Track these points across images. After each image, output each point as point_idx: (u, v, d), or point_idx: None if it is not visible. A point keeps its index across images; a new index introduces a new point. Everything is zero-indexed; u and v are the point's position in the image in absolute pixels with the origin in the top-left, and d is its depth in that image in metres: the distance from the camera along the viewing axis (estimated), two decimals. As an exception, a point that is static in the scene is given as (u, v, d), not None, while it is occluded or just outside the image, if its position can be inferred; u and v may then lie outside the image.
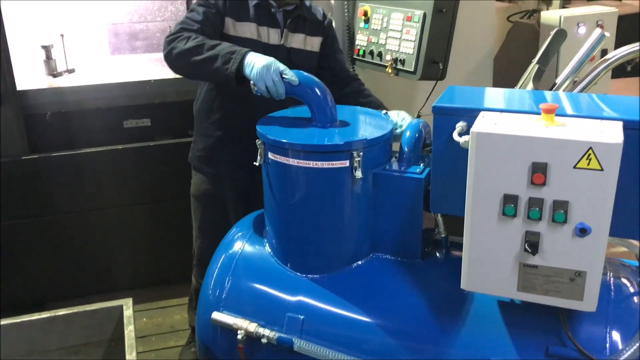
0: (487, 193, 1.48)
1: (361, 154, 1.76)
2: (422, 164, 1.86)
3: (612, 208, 1.39)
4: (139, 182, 3.38)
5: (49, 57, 3.43)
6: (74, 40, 3.65)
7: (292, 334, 1.82)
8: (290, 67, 1.98)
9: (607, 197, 1.38)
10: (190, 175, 2.57)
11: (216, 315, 1.92)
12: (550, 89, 1.96)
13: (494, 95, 1.78)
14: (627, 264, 1.78)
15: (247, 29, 2.29)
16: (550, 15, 3.22)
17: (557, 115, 1.46)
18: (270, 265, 1.97)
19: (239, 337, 1.85)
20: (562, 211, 1.41)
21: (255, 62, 1.95)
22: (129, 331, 2.17)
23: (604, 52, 2.81)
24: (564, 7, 4.19)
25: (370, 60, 2.86)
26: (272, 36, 2.33)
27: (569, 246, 1.45)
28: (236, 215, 2.36)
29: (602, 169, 1.36)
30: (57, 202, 3.28)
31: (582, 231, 1.41)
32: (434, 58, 2.59)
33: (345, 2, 2.94)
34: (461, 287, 1.61)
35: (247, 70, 1.98)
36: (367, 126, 1.97)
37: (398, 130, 2.01)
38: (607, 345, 1.56)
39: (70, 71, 3.51)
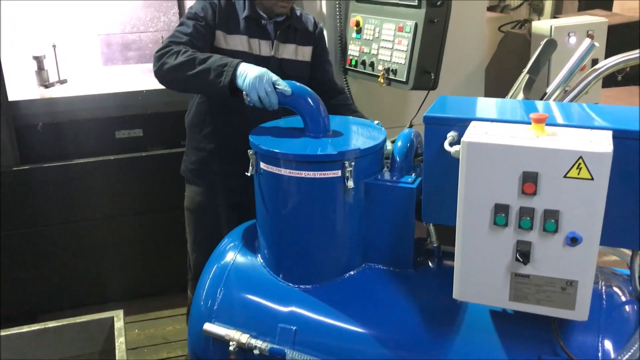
0: (478, 202, 1.48)
1: (353, 163, 1.76)
2: (413, 174, 1.86)
3: (602, 217, 1.39)
4: (131, 193, 3.37)
5: (40, 68, 3.43)
6: (66, 50, 3.65)
7: (285, 344, 1.81)
8: (283, 78, 1.98)
9: (598, 206, 1.38)
10: (183, 186, 2.56)
11: (208, 327, 1.91)
12: (541, 99, 1.97)
13: (485, 105, 1.79)
14: (618, 273, 1.79)
15: (238, 42, 2.29)
16: (541, 25, 3.24)
17: (547, 124, 1.46)
18: (262, 276, 1.96)
19: (231, 348, 1.84)
20: (553, 220, 1.42)
21: (248, 73, 1.95)
22: (120, 343, 2.16)
23: (595, 62, 2.83)
24: (554, 17, 4.23)
25: (363, 70, 2.87)
26: (263, 48, 2.34)
27: (560, 255, 1.45)
28: (229, 226, 2.35)
29: (592, 178, 1.36)
30: (49, 212, 3.27)
31: (573, 240, 1.42)
32: (426, 68, 2.60)
33: (338, 13, 2.95)
34: (453, 296, 1.61)
35: (239, 81, 1.97)
36: (359, 136, 1.98)
37: None
38: (600, 354, 1.55)
39: (63, 82, 3.51)
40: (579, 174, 1.37)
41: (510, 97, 2.09)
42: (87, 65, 3.89)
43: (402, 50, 2.61)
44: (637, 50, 1.80)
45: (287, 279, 1.92)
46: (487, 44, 3.41)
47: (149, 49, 4.04)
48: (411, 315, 1.76)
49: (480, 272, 1.54)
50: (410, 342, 1.72)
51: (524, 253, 1.47)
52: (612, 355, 1.54)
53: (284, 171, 1.82)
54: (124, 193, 3.35)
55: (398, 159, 1.87)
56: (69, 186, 3.25)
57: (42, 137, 3.23)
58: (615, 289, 1.69)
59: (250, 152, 1.90)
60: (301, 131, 1.97)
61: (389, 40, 2.69)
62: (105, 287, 3.45)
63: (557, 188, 1.40)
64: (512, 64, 3.40)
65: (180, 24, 2.24)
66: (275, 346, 1.80)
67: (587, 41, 1.93)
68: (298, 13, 2.43)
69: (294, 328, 1.82)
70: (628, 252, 1.66)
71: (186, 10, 2.31)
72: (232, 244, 2.09)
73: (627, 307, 1.64)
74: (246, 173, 1.92)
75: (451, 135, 1.59)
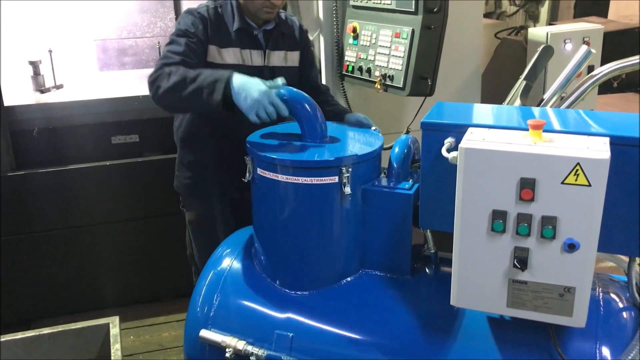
0: (475, 209, 1.48)
1: (350, 169, 1.76)
2: (411, 180, 1.86)
3: (600, 223, 1.39)
4: (127, 199, 3.35)
5: (36, 73, 3.42)
6: (62, 56, 3.64)
7: (281, 351, 1.80)
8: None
9: (595, 213, 1.38)
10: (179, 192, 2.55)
11: (204, 333, 1.90)
12: (538, 105, 1.97)
13: (482, 111, 1.79)
14: (615, 279, 1.78)
15: (232, 55, 2.27)
16: (537, 32, 3.26)
17: (544, 131, 1.46)
18: (258, 282, 1.96)
19: (228, 355, 1.83)
20: (550, 227, 1.41)
21: (247, 94, 1.90)
22: (116, 350, 2.15)
23: (591, 68, 2.84)
24: (550, 24, 4.24)
25: (359, 76, 2.87)
26: (255, 58, 2.32)
27: (558, 262, 1.44)
28: (227, 233, 2.34)
29: (589, 185, 1.36)
30: (44, 218, 3.25)
31: (571, 247, 1.41)
32: (423, 74, 2.60)
33: (335, 18, 2.96)
34: (451, 303, 1.60)
35: (239, 101, 1.92)
36: (356, 142, 1.97)
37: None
38: (597, 361, 1.55)
39: (59, 87, 3.50)
40: (576, 180, 1.37)
41: (508, 104, 2.10)
42: (83, 71, 3.88)
43: (399, 57, 2.62)
44: (635, 57, 1.80)
45: (283, 285, 1.92)
46: (484, 51, 3.42)
47: (145, 55, 4.03)
48: (408, 321, 1.76)
49: (477, 279, 1.54)
50: (408, 348, 1.72)
51: (521, 259, 1.47)
52: (610, 362, 1.54)
53: (280, 177, 1.81)
54: (119, 199, 3.34)
55: (395, 165, 1.87)
56: (64, 192, 3.24)
57: (38, 143, 3.21)
58: (613, 295, 1.69)
59: (247, 158, 1.90)
60: (298, 137, 1.97)
61: (386, 47, 2.69)
62: (101, 293, 3.43)
63: (554, 194, 1.39)
64: (509, 70, 3.41)
65: (170, 42, 2.18)
66: (272, 353, 1.80)
67: (584, 48, 1.93)
68: (283, 16, 2.42)
69: (291, 335, 1.81)
70: (625, 258, 1.66)
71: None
72: (228, 250, 2.08)
73: (624, 314, 1.64)
74: (242, 179, 1.92)
75: (448, 141, 1.59)
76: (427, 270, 1.90)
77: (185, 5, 3.95)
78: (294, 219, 1.85)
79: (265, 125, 2.07)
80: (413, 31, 2.55)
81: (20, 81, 3.49)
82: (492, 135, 1.49)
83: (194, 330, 1.93)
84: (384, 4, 2.68)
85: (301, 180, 1.78)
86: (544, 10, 4.54)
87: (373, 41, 2.77)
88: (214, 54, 2.25)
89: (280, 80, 1.95)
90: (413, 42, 2.56)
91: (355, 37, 2.86)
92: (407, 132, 2.74)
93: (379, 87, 2.73)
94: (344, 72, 2.97)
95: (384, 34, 2.70)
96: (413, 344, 1.72)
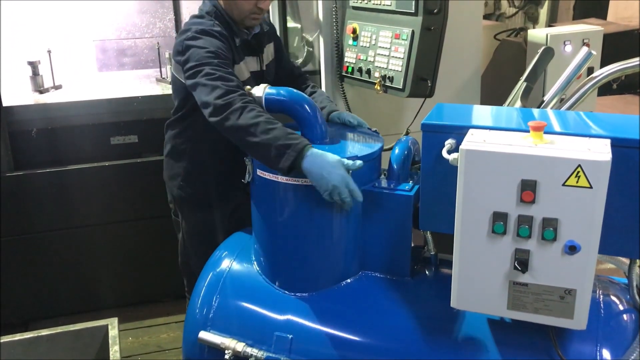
0: (476, 210, 1.47)
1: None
2: (411, 182, 1.85)
3: (601, 225, 1.39)
4: (126, 199, 3.35)
5: (35, 73, 3.41)
6: (61, 56, 3.63)
7: (281, 353, 1.80)
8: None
9: (596, 215, 1.38)
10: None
11: (203, 335, 1.90)
12: (539, 107, 1.97)
13: (483, 113, 1.78)
14: (615, 281, 1.78)
15: (243, 69, 2.22)
16: (537, 34, 3.25)
17: (545, 132, 1.46)
18: (258, 284, 1.95)
19: (227, 356, 1.83)
20: (551, 229, 1.41)
21: (328, 176, 1.72)
22: (114, 351, 2.14)
23: (590, 70, 2.83)
24: (549, 26, 4.24)
25: (359, 78, 2.86)
26: (252, 64, 2.29)
27: (558, 264, 1.44)
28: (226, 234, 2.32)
29: (590, 187, 1.36)
30: (43, 219, 3.24)
31: (572, 249, 1.41)
32: (423, 75, 2.60)
33: (334, 19, 2.95)
34: (451, 305, 1.60)
35: (312, 178, 1.75)
36: (356, 143, 1.97)
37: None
38: (598, 363, 1.55)
39: (57, 87, 3.49)
40: (577, 182, 1.37)
41: (508, 105, 2.09)
42: (82, 71, 3.88)
43: (399, 58, 2.61)
44: (635, 59, 1.80)
45: (283, 286, 1.91)
46: (483, 52, 3.42)
47: (144, 55, 4.03)
48: (408, 323, 1.75)
49: (478, 281, 1.54)
50: (407, 350, 1.71)
51: (522, 261, 1.46)
52: (611, 365, 1.54)
53: (280, 178, 1.81)
54: (118, 199, 3.33)
55: (395, 167, 1.86)
56: (63, 192, 3.23)
57: (37, 143, 3.20)
58: (613, 297, 1.69)
59: (246, 159, 1.89)
60: (298, 138, 1.96)
61: (386, 48, 2.69)
62: (99, 295, 3.42)
63: (555, 196, 1.39)
64: (508, 72, 3.41)
65: (215, 58, 2.01)
66: (271, 355, 1.79)
67: (585, 49, 1.93)
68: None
69: (290, 336, 1.81)
70: (625, 260, 1.66)
71: (183, 18, 2.26)
72: (227, 252, 2.08)
73: (625, 316, 1.64)
74: (242, 180, 1.91)
75: (449, 142, 1.59)
76: (427, 272, 1.90)
77: (185, 6, 3.95)
78: (293, 220, 1.85)
79: None
80: (413, 32, 2.55)
81: (19, 81, 3.49)
82: (493, 137, 1.49)
83: (193, 331, 1.93)
84: (384, 5, 2.68)
85: (301, 181, 1.78)
86: (543, 12, 4.54)
87: (373, 42, 2.76)
88: None
89: (359, 163, 1.78)
90: (413, 43, 2.55)
91: (355, 38, 2.86)
92: (407, 134, 2.74)
93: (378, 88, 2.73)
94: (343, 74, 2.96)
95: (384, 35, 2.70)
96: (413, 346, 1.71)
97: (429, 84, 2.62)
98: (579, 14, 4.81)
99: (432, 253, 1.87)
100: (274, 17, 3.25)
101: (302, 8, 3.27)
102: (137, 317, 3.38)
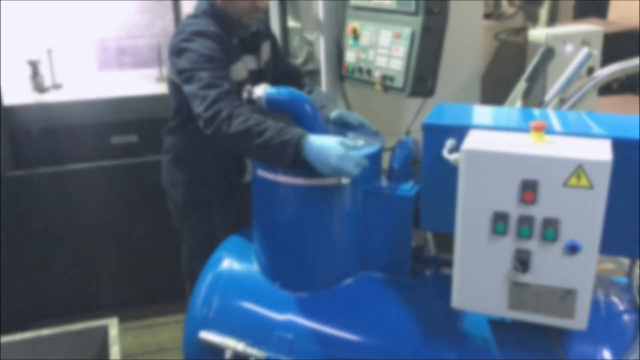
0: (477, 210, 1.47)
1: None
2: (411, 182, 1.85)
3: (601, 225, 1.39)
4: (126, 199, 3.34)
5: (35, 73, 3.41)
6: (61, 55, 3.63)
7: (281, 353, 1.79)
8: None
9: (597, 215, 1.38)
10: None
11: (204, 334, 1.89)
12: (539, 107, 1.97)
13: (483, 113, 1.78)
14: (616, 281, 1.78)
15: (241, 68, 2.21)
16: (537, 33, 3.26)
17: (546, 132, 1.46)
18: (258, 284, 1.95)
19: (227, 356, 1.83)
20: (552, 229, 1.41)
21: (327, 157, 1.71)
22: (114, 351, 2.14)
23: (591, 70, 2.84)
24: (549, 26, 4.24)
25: (359, 77, 2.86)
26: (252, 63, 2.29)
27: (559, 264, 1.44)
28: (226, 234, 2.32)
29: (591, 187, 1.36)
30: (43, 218, 3.24)
31: (573, 249, 1.41)
32: (423, 75, 2.60)
33: (335, 19, 2.95)
34: (452, 305, 1.60)
35: (316, 166, 1.75)
36: (357, 143, 1.97)
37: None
38: (598, 363, 1.55)
39: (58, 87, 3.49)
40: (578, 182, 1.37)
41: (508, 105, 2.09)
42: (83, 71, 3.88)
43: (399, 57, 2.61)
44: (635, 59, 1.80)
45: (283, 286, 1.91)
46: (484, 52, 3.41)
47: (144, 55, 4.03)
48: (409, 323, 1.75)
49: (478, 281, 1.53)
50: (408, 350, 1.71)
51: (522, 261, 1.46)
52: (611, 365, 1.54)
53: (281, 178, 1.81)
54: (118, 199, 3.33)
55: (396, 167, 1.86)
56: (63, 192, 3.23)
57: (37, 142, 3.20)
58: (614, 297, 1.69)
59: (247, 159, 1.89)
60: (298, 138, 1.96)
61: (386, 47, 2.68)
62: (100, 294, 3.42)
63: (556, 196, 1.39)
64: (508, 72, 3.41)
65: (208, 61, 2.00)
66: (271, 354, 1.79)
67: (585, 49, 1.93)
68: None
69: (291, 336, 1.81)
70: (626, 260, 1.66)
71: (183, 18, 2.24)
72: (228, 252, 2.07)
73: (625, 316, 1.64)
74: (242, 180, 1.91)
75: (450, 142, 1.59)
76: (427, 272, 1.90)
77: (185, 6, 3.95)
78: (294, 220, 1.84)
79: None
80: (413, 32, 2.54)
81: (19, 81, 3.48)
82: (494, 137, 1.49)
83: (193, 331, 1.93)
84: (384, 4, 2.68)
85: (302, 181, 1.78)
86: (543, 12, 4.54)
87: (373, 42, 2.76)
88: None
89: (360, 142, 1.79)
90: (413, 43, 2.55)
91: (355, 38, 2.86)
92: (407, 134, 2.74)
93: (379, 88, 2.72)
94: (343, 73, 2.96)
95: (384, 35, 2.69)
96: (413, 345, 1.71)
97: (430, 84, 2.61)
98: (579, 14, 4.81)
99: (433, 253, 1.87)
100: (274, 17, 3.25)
101: (302, 8, 3.27)
102: (137, 317, 3.38)
